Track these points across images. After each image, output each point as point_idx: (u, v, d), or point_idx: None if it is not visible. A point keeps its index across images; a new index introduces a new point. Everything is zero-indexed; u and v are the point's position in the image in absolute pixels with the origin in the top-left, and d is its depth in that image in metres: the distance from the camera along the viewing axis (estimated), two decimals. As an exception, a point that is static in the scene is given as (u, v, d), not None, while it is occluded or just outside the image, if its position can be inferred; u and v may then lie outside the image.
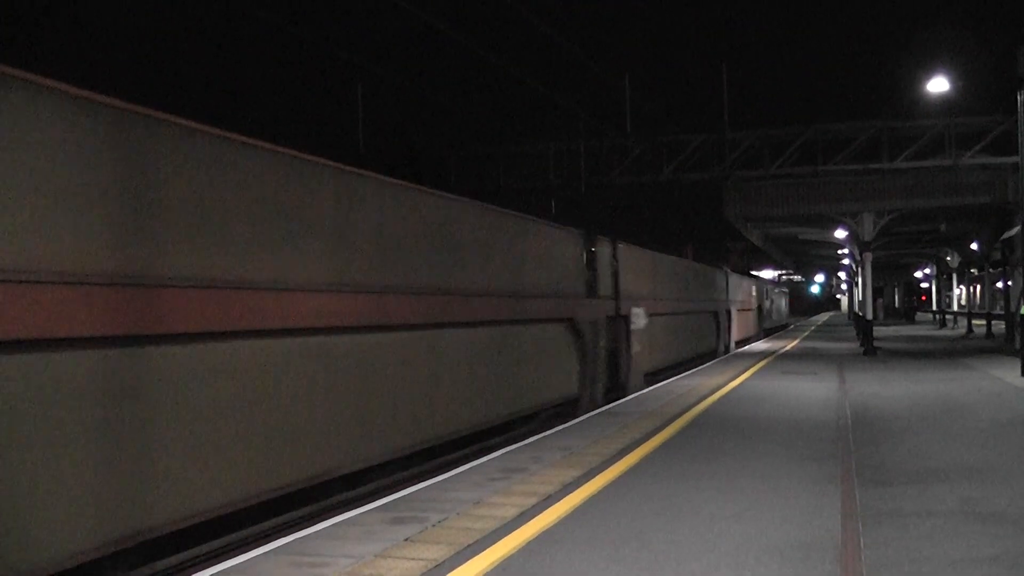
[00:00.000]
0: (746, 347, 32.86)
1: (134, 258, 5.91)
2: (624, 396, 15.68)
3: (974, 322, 40.29)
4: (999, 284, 38.61)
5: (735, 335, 33.59)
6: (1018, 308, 21.00)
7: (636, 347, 17.98)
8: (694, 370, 20.93)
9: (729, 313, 32.47)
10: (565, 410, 14.08)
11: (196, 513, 6.38)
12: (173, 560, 6.53)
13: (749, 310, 39.65)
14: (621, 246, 17.60)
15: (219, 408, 6.64)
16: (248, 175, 7.07)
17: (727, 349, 30.92)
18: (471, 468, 8.44)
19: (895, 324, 57.70)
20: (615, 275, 16.94)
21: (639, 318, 18.21)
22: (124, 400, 5.81)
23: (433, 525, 6.22)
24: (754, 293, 42.24)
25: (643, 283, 19.38)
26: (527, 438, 10.51)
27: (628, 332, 17.56)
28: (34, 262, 5.16)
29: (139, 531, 5.89)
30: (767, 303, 48.91)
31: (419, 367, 9.70)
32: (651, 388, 16.48)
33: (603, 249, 16.46)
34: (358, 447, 8.47)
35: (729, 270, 34.80)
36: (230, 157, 6.89)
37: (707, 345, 28.02)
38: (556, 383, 14.09)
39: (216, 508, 6.58)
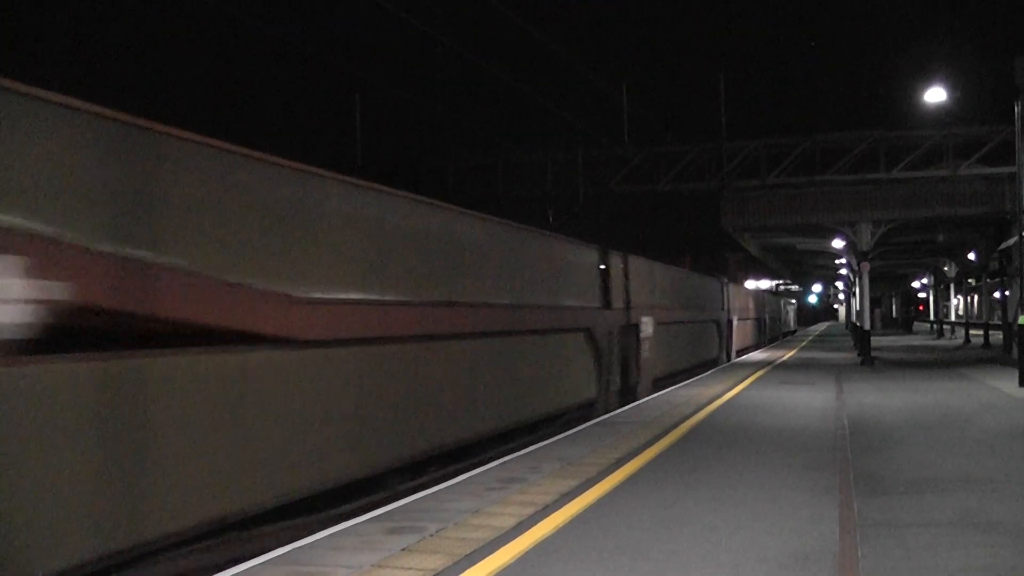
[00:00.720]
0: (746, 356, 32.97)
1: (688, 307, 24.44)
2: (729, 362, 29.61)
3: (971, 332, 40.31)
4: (997, 294, 38.61)
5: (769, 334, 50.40)
6: (1015, 318, 21.02)
7: (735, 336, 33.73)
8: (693, 380, 20.95)
9: (768, 319, 50.68)
10: (712, 365, 26.85)
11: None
12: (171, 569, 6.51)
13: (776, 318, 58.41)
14: (733, 284, 35.13)
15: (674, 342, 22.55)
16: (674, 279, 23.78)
17: (768, 343, 46.54)
18: (469, 478, 8.44)
19: (893, 334, 57.75)
20: (728, 299, 31.98)
21: (736, 321, 33.76)
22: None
23: (431, 535, 6.21)
24: (777, 306, 61.83)
25: (739, 303, 35.63)
26: (526, 447, 10.51)
27: (732, 328, 32.66)
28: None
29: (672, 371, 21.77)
30: (784, 313, 69.75)
31: (677, 338, 22.76)
32: (649, 398, 16.50)
33: (726, 286, 31.91)
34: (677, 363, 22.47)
35: (769, 292, 58.93)
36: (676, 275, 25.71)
37: (760, 339, 44.01)
38: (710, 351, 28.10)
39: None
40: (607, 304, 16.21)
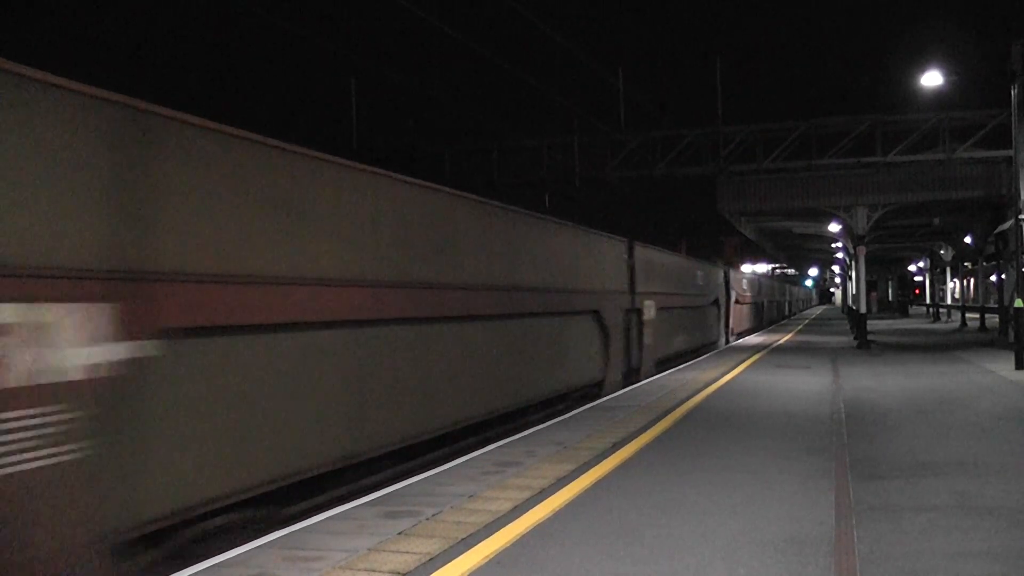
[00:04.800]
0: (745, 339, 33.02)
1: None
2: (728, 344, 30.70)
3: (968, 316, 40.36)
4: (993, 278, 38.65)
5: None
6: (1012, 302, 21.05)
7: (734, 320, 35.54)
8: (689, 363, 20.97)
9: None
10: (712, 347, 28.35)
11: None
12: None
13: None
14: (732, 270, 37.13)
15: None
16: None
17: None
18: (465, 462, 8.44)
19: (889, 318, 57.82)
20: (728, 284, 33.13)
21: (735, 305, 34.78)
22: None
23: (427, 519, 6.21)
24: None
25: (738, 288, 36.47)
26: (522, 431, 10.51)
27: (731, 312, 33.68)
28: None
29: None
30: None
31: (679, 321, 23.70)
32: (645, 382, 16.51)
33: (726, 271, 33.45)
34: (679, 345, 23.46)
35: (767, 276, 67.11)
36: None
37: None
38: (711, 334, 29.00)
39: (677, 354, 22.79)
40: (613, 288, 17.16)
